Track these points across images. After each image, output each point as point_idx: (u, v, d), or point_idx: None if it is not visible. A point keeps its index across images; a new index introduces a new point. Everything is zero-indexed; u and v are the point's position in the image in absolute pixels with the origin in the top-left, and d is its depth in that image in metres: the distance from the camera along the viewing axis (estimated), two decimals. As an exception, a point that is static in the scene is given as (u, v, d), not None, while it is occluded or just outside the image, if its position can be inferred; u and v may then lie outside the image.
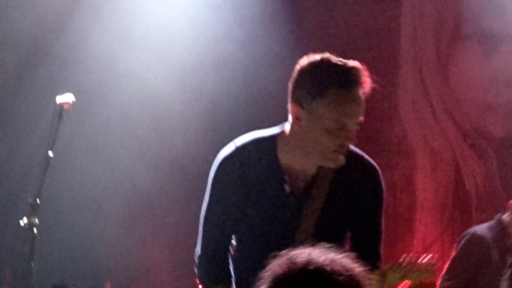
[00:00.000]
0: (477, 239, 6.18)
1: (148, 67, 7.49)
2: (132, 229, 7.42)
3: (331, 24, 8.62)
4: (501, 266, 5.96)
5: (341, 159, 3.38)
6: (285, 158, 3.41)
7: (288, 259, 2.01)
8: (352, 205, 3.52)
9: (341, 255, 2.04)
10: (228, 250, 3.62)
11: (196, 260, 3.65)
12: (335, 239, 3.13)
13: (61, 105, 5.11)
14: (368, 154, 3.76)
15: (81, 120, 6.79)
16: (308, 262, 1.97)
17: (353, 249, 3.55)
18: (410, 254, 3.76)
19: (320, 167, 3.45)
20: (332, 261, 1.99)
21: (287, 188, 3.44)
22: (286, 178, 3.43)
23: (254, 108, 8.20)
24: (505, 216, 6.23)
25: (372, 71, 8.50)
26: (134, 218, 7.43)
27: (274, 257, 2.06)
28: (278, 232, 3.45)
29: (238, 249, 3.59)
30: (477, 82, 8.47)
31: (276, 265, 2.02)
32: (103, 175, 7.24)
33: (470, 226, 8.11)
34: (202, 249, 3.60)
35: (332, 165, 3.42)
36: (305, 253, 2.01)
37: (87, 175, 7.18)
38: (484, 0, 8.34)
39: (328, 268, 1.96)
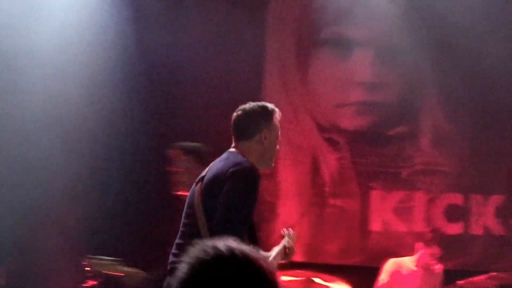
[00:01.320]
0: None
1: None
2: (29, 219, 7.59)
3: (205, 29, 8.97)
4: None
5: None
6: None
7: (210, 246, 2.10)
8: None
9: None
10: None
11: None
12: None
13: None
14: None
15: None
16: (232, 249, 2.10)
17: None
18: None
19: None
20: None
21: None
22: None
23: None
24: None
25: (239, 73, 9.31)
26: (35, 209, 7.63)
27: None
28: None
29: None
30: (332, 83, 9.08)
31: (199, 251, 2.11)
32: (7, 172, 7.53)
33: (326, 210, 8.99)
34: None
35: (272, 166, 5.13)
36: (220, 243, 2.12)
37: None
38: (339, 8, 8.92)
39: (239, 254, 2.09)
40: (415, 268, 7.95)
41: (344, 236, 8.99)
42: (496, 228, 8.94)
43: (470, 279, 7.69)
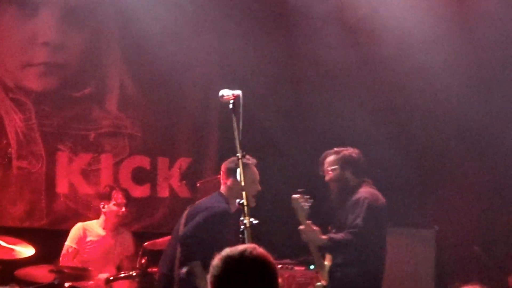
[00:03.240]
0: None
1: None
2: None
3: None
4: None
5: None
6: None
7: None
8: None
9: None
10: None
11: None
12: None
13: None
14: None
15: None
16: None
17: None
18: None
19: None
20: None
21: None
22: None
23: None
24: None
25: None
26: None
27: None
28: None
29: None
30: (18, 42, 8.83)
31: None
32: None
33: (11, 172, 8.70)
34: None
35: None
36: None
37: None
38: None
39: None
40: (103, 231, 7.94)
41: (30, 199, 8.82)
42: (181, 190, 9.23)
43: (155, 240, 7.80)
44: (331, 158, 6.87)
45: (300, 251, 7.59)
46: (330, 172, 6.84)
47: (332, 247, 6.58)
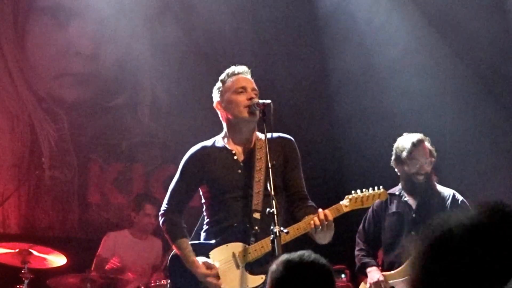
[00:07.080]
0: None
1: None
2: None
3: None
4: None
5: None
6: (230, 143, 5.03)
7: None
8: (283, 166, 5.04)
9: None
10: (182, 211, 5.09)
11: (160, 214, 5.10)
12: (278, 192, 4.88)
13: None
14: None
15: None
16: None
17: (291, 195, 5.08)
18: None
19: (255, 143, 5.04)
20: None
21: (235, 157, 5.02)
22: (234, 152, 5.01)
23: None
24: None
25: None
26: None
27: None
28: (233, 186, 5.00)
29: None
30: (51, 52, 8.88)
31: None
32: None
33: (44, 182, 8.75)
34: (166, 204, 5.07)
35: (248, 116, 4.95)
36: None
37: None
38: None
39: None
40: (133, 240, 7.99)
41: (62, 208, 8.85)
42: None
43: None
44: (429, 145, 5.99)
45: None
46: (429, 163, 5.97)
47: None
